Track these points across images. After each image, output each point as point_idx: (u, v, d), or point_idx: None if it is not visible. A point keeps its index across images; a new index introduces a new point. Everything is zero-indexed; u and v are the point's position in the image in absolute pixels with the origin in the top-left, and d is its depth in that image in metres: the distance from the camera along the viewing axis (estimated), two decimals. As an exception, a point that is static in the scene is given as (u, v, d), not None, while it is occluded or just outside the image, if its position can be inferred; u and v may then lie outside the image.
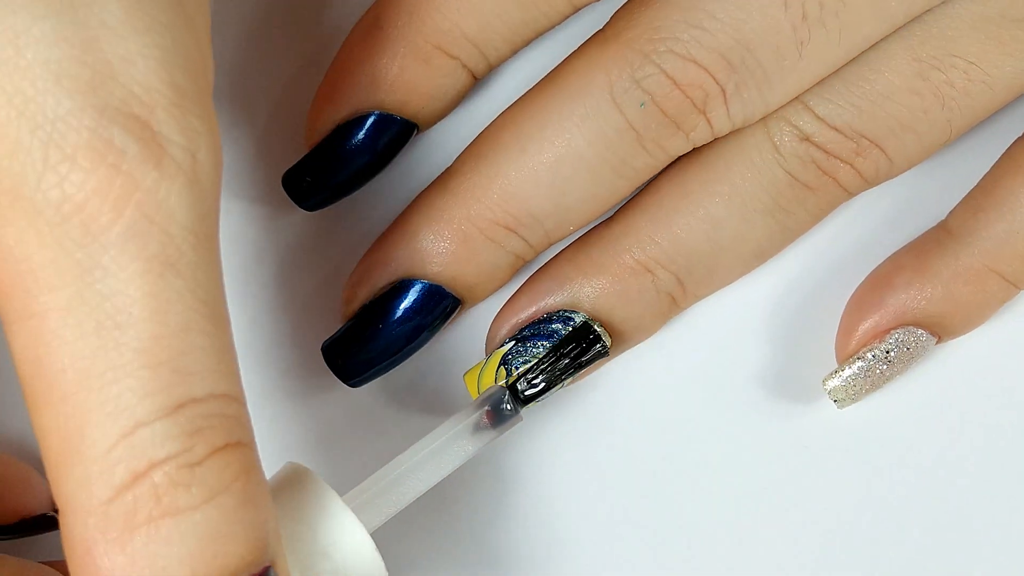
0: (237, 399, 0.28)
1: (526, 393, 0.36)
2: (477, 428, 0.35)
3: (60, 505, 0.27)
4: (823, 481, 0.39)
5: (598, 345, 0.36)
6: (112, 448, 0.26)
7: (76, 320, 0.26)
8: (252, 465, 0.28)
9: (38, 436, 0.27)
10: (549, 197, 0.36)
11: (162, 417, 0.26)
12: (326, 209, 0.38)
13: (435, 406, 0.39)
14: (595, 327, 0.36)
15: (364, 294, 0.37)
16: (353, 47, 0.36)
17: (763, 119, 0.36)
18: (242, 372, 0.38)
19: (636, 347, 0.39)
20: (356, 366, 0.37)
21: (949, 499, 0.38)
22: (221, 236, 0.38)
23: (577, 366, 0.36)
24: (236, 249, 0.39)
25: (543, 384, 0.36)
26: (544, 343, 0.36)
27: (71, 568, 0.27)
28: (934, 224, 0.38)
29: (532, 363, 0.36)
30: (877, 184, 0.37)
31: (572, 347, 0.36)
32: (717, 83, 0.34)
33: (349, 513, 0.31)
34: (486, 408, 0.35)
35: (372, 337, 0.37)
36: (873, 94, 0.35)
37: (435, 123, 0.37)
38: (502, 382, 0.36)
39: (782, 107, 0.36)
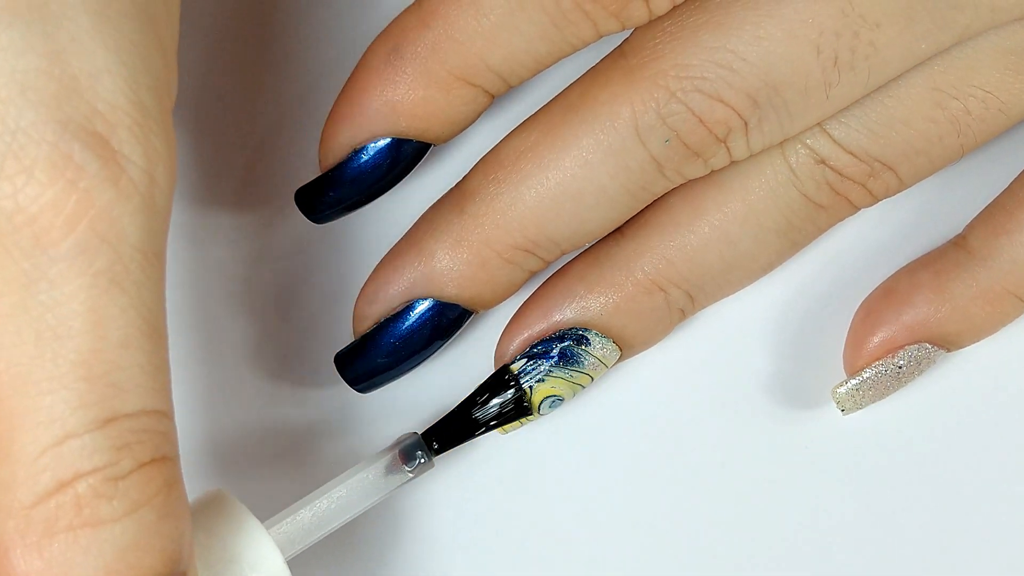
0: (167, 415, 0.28)
1: (435, 445, 0.36)
2: (390, 470, 0.36)
3: None
4: (827, 486, 0.38)
5: (524, 415, 0.37)
6: (40, 455, 0.27)
7: (16, 327, 0.27)
8: (174, 480, 0.28)
9: None
10: (569, 224, 0.35)
11: (92, 430, 0.27)
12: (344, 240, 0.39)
13: (442, 414, 0.39)
14: (525, 399, 0.37)
15: (377, 312, 0.37)
16: (371, 72, 0.36)
17: (781, 150, 0.36)
18: (248, 376, 0.39)
19: (635, 361, 0.39)
20: (367, 375, 0.37)
21: (954, 504, 0.38)
22: (229, 242, 0.39)
23: (494, 426, 0.37)
24: (243, 255, 0.39)
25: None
26: (553, 360, 0.37)
27: None
28: (939, 231, 0.39)
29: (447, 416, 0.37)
30: (885, 199, 0.37)
31: (493, 406, 0.37)
32: (741, 118, 0.34)
33: (263, 531, 0.32)
34: (398, 451, 0.36)
35: (385, 351, 0.37)
36: (890, 120, 0.35)
37: (449, 140, 0.37)
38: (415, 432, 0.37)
39: (802, 132, 0.36)
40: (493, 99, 0.36)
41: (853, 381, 0.37)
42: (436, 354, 0.38)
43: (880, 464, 0.39)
